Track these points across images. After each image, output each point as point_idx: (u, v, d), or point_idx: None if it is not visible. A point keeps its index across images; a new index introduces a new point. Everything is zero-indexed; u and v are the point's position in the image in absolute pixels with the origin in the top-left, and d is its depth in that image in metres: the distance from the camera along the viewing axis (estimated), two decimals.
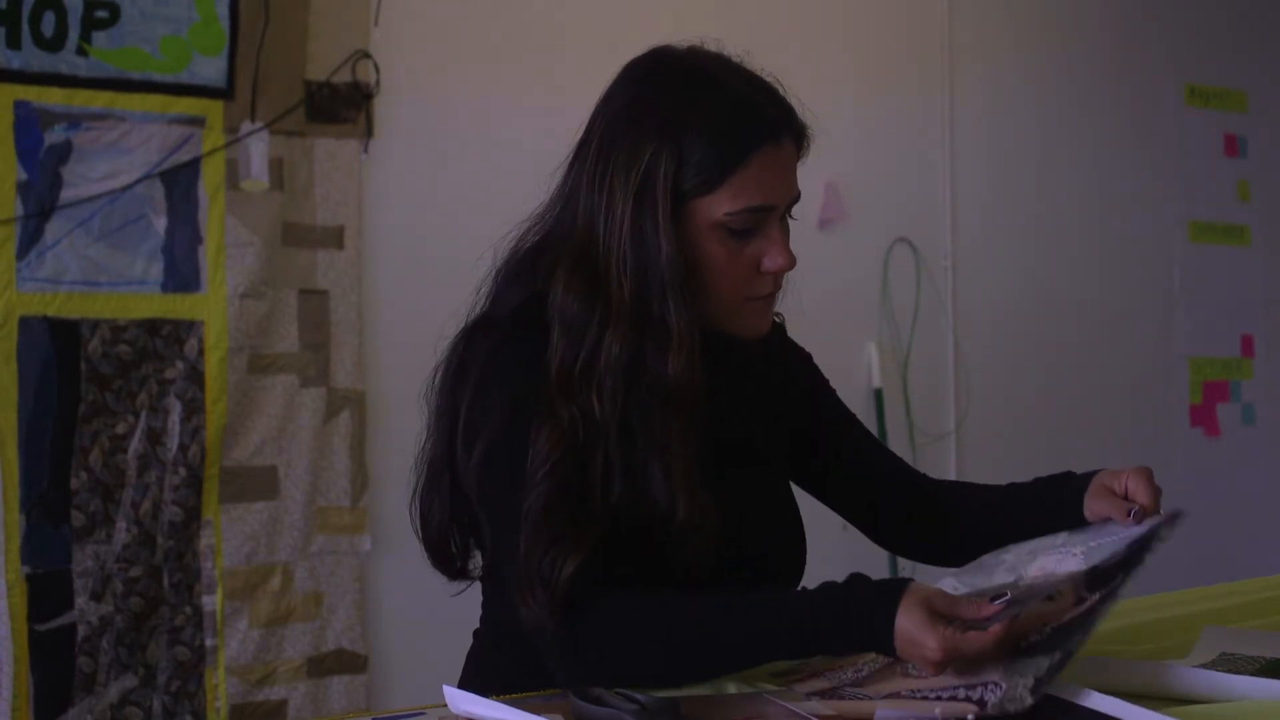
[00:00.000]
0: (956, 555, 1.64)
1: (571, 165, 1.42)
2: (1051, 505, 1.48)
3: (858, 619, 1.22)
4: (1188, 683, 1.25)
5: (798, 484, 1.63)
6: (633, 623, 1.29)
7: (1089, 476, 1.48)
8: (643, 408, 1.36)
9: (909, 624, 1.18)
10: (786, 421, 1.58)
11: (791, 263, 1.40)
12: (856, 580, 1.26)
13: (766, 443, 1.53)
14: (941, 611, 1.19)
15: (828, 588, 1.26)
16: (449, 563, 1.48)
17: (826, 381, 1.66)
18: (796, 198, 1.42)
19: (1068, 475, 1.53)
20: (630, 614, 1.29)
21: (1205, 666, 1.34)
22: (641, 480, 1.35)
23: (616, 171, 1.35)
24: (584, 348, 1.34)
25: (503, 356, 1.38)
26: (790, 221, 1.44)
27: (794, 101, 1.43)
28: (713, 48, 1.43)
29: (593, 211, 1.37)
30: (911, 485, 1.64)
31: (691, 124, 1.35)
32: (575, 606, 1.28)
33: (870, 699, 1.22)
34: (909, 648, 1.19)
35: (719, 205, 1.35)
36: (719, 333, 1.42)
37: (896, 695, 1.22)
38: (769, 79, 1.43)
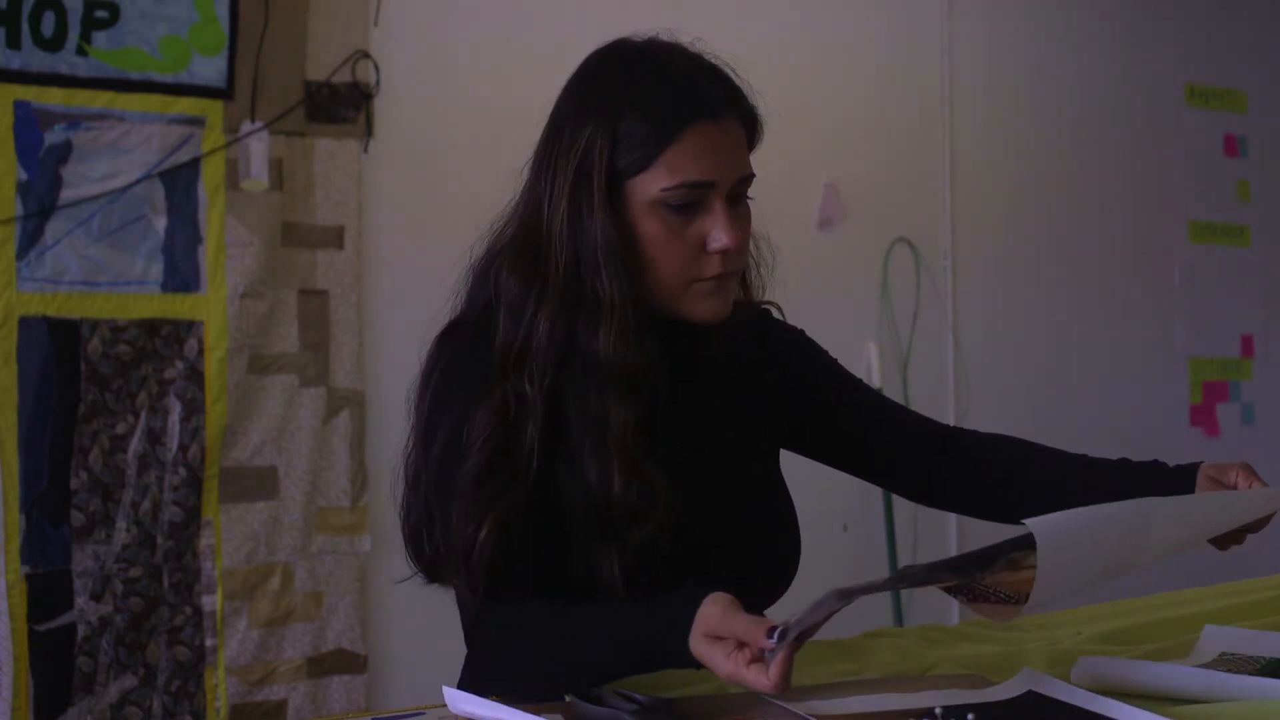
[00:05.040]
0: (1014, 512, 1.57)
1: (531, 161, 1.45)
2: (1157, 491, 1.41)
3: (673, 637, 1.20)
4: (1188, 683, 1.25)
5: (832, 465, 1.61)
6: (517, 629, 1.32)
7: (1190, 469, 1.46)
8: (577, 385, 1.37)
9: (698, 647, 1.17)
10: (775, 410, 1.56)
11: (736, 241, 1.37)
12: (681, 593, 1.23)
13: (741, 433, 1.52)
14: (717, 634, 1.16)
15: (665, 598, 1.25)
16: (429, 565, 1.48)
17: (824, 354, 1.62)
18: (746, 177, 1.40)
19: (1157, 464, 1.50)
20: (517, 621, 1.32)
21: (1205, 666, 1.34)
22: (576, 459, 1.36)
23: (559, 156, 1.38)
24: (522, 328, 1.37)
25: (464, 358, 1.40)
26: (750, 203, 1.42)
27: (746, 86, 1.42)
28: (666, 38, 1.43)
29: (538, 196, 1.39)
30: (948, 442, 1.60)
31: (627, 103, 1.36)
32: (489, 602, 1.32)
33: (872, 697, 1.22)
34: (706, 667, 1.17)
35: (655, 182, 1.35)
36: (687, 323, 1.42)
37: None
38: (718, 62, 1.42)
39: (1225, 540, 1.40)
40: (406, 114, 3.19)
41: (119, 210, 2.85)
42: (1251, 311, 4.72)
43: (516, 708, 1.13)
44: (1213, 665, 1.35)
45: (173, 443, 2.88)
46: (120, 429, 2.84)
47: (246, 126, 2.97)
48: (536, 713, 1.12)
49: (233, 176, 2.96)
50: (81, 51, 2.80)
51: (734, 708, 1.22)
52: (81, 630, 2.79)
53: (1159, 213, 4.51)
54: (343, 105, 3.10)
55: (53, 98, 2.78)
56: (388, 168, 3.18)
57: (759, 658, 1.11)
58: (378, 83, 3.15)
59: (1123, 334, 4.40)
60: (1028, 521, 1.08)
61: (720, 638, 1.15)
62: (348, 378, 3.10)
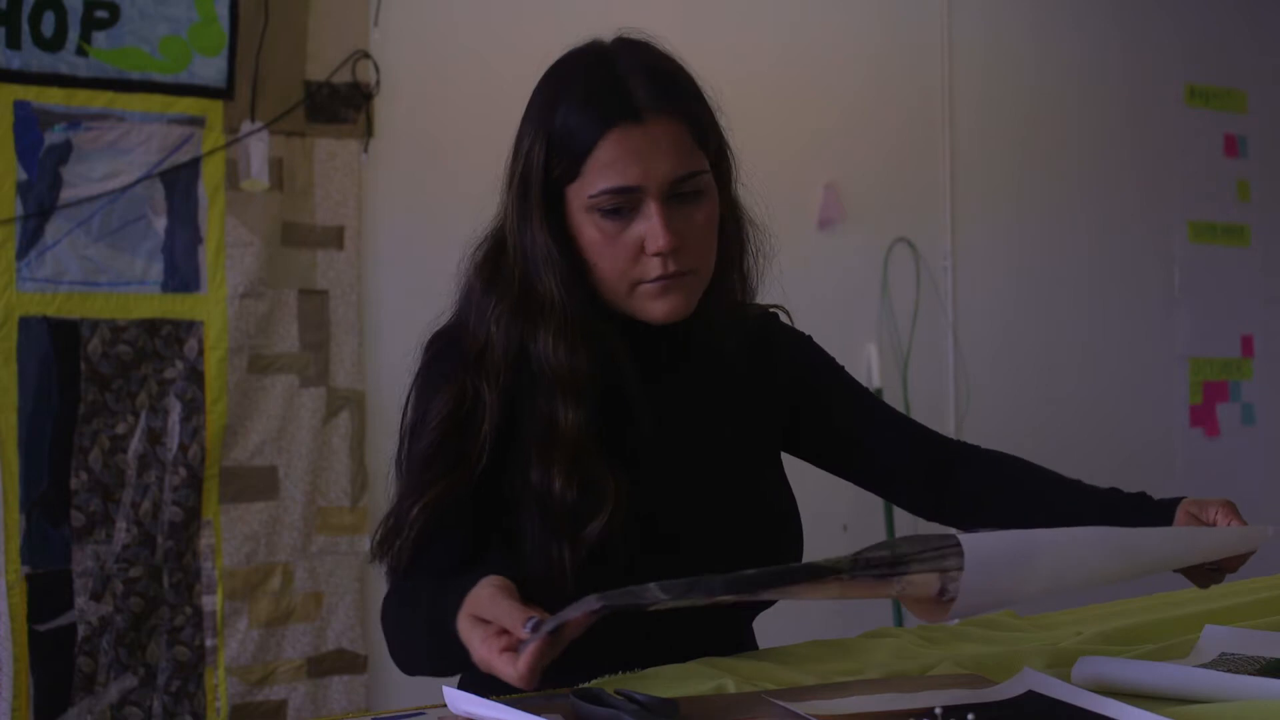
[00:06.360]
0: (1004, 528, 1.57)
1: None
2: (1140, 523, 1.41)
3: (450, 617, 1.21)
4: (1188, 683, 1.25)
5: (829, 471, 1.62)
6: (395, 606, 1.38)
7: (1173, 504, 1.45)
8: (528, 387, 1.40)
9: (462, 625, 1.18)
10: (774, 412, 1.56)
11: (670, 243, 1.35)
12: (472, 574, 1.24)
13: (736, 433, 1.52)
14: (481, 616, 1.16)
15: (460, 579, 1.26)
16: None
17: (829, 360, 1.62)
18: (684, 176, 1.37)
19: (1144, 496, 1.50)
20: (399, 599, 1.38)
21: (1205, 666, 1.34)
22: (525, 460, 1.39)
23: (513, 162, 1.42)
24: (484, 330, 1.41)
25: (443, 355, 1.43)
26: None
27: (689, 82, 1.41)
28: (636, 36, 1.44)
29: (502, 202, 1.44)
30: (947, 454, 1.60)
31: (558, 110, 1.38)
32: (400, 578, 1.38)
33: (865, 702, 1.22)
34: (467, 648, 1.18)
35: (584, 188, 1.37)
36: (679, 327, 1.43)
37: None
38: (675, 58, 1.42)
39: (1204, 578, 1.41)
40: (406, 114, 3.20)
41: (119, 210, 2.85)
42: (1251, 311, 4.72)
43: (517, 708, 1.13)
44: (1213, 665, 1.35)
45: (173, 443, 2.88)
46: (120, 429, 2.84)
47: (246, 126, 2.97)
48: (537, 712, 1.12)
49: (233, 176, 2.96)
50: (81, 51, 2.80)
51: (736, 708, 1.22)
52: (81, 630, 2.79)
53: (1159, 213, 4.51)
54: (343, 105, 3.10)
55: (53, 98, 2.78)
56: (388, 168, 3.18)
57: (514, 647, 1.12)
58: (378, 83, 3.15)
59: (1123, 334, 4.40)
60: (960, 537, 1.09)
61: (484, 620, 1.16)
62: (348, 378, 3.10)
